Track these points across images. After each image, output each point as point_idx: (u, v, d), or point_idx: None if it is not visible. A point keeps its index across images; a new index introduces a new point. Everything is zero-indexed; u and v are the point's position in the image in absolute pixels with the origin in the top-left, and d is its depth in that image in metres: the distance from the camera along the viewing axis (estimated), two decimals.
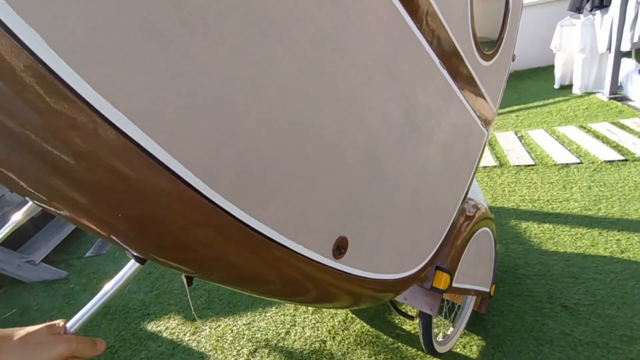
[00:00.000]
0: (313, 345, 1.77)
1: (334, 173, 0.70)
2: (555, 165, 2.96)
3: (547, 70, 5.40)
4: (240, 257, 0.62)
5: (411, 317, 1.76)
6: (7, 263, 2.67)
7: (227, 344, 1.87)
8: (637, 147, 2.96)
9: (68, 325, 0.54)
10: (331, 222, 0.73)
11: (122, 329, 2.11)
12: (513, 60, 1.88)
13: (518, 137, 3.59)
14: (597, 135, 3.29)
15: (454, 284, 1.35)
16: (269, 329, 1.91)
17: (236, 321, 2.01)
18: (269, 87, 0.54)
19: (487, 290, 1.71)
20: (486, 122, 1.44)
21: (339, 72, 0.63)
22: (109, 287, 0.59)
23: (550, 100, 4.41)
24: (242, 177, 0.55)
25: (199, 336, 1.96)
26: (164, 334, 2.02)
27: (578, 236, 2.16)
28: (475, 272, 1.58)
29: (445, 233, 1.27)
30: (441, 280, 1.28)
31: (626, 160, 2.82)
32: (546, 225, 2.30)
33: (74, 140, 0.41)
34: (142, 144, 0.44)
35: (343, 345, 1.74)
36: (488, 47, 1.45)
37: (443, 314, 1.68)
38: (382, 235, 0.90)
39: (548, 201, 2.53)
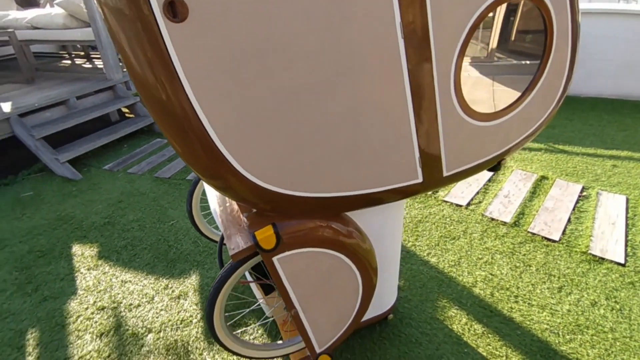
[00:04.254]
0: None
1: None
2: (583, 253, 2.10)
3: None
4: None
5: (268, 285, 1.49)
6: (46, 155, 3.36)
7: (93, 292, 2.06)
8: None
9: None
10: None
11: (62, 240, 2.50)
12: (500, 167, 1.36)
13: (580, 196, 2.62)
14: None
15: (276, 261, 1.15)
16: (131, 295, 2.01)
17: (121, 274, 2.17)
18: None
19: (317, 349, 1.43)
20: (424, 167, 1.16)
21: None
22: None
23: None
24: None
25: (87, 275, 2.19)
26: (73, 260, 2.32)
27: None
28: (312, 302, 1.32)
29: (300, 184, 1.06)
30: (266, 233, 1.09)
31: None
32: (477, 328, 1.72)
33: None
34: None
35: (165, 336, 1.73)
36: None
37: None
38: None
39: (517, 297, 1.86)
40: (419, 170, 1.17)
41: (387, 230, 1.48)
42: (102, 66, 4.88)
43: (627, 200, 2.54)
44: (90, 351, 1.72)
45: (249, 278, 1.63)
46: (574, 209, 2.49)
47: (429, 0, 0.92)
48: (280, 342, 1.52)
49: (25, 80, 4.44)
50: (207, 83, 0.85)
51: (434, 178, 1.21)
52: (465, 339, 1.67)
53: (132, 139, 4.14)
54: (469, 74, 1.25)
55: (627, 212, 2.42)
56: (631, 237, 2.21)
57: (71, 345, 1.75)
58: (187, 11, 0.78)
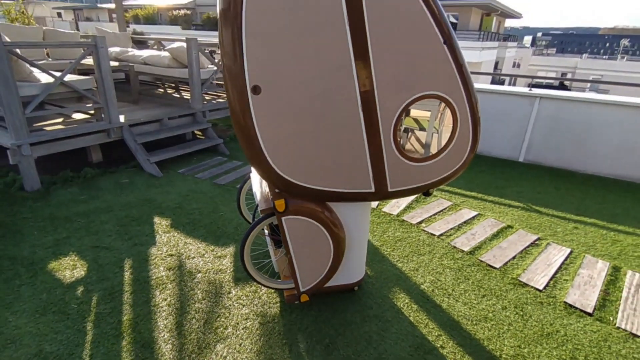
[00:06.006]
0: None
1: None
2: (513, 279, 2.80)
3: None
4: None
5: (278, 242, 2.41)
6: (141, 156, 4.61)
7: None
8: None
9: None
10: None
11: (147, 213, 3.59)
12: (430, 194, 2.21)
13: (532, 243, 3.30)
14: None
15: (283, 220, 2.07)
16: (189, 251, 3.00)
17: (184, 238, 3.17)
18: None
19: (301, 288, 2.28)
20: (375, 182, 2.06)
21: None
22: None
23: None
24: None
25: (162, 235, 3.22)
26: (154, 225, 3.37)
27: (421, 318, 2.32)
28: (302, 253, 2.20)
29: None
30: (280, 202, 2.04)
31: None
32: (414, 306, 2.49)
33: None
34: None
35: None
36: None
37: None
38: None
39: (450, 295, 2.60)
40: (372, 183, 2.08)
41: (356, 224, 2.36)
42: (187, 97, 6.30)
43: (571, 252, 3.20)
44: (162, 275, 2.70)
45: (266, 235, 2.56)
46: (522, 251, 3.19)
47: (377, 93, 1.88)
48: (279, 280, 2.41)
49: (133, 100, 5.92)
50: (262, 119, 1.86)
51: (382, 191, 2.10)
52: (403, 310, 2.45)
53: (200, 154, 5.36)
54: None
55: (565, 260, 3.08)
56: (559, 275, 2.87)
57: (150, 271, 2.74)
58: (261, 91, 1.80)
